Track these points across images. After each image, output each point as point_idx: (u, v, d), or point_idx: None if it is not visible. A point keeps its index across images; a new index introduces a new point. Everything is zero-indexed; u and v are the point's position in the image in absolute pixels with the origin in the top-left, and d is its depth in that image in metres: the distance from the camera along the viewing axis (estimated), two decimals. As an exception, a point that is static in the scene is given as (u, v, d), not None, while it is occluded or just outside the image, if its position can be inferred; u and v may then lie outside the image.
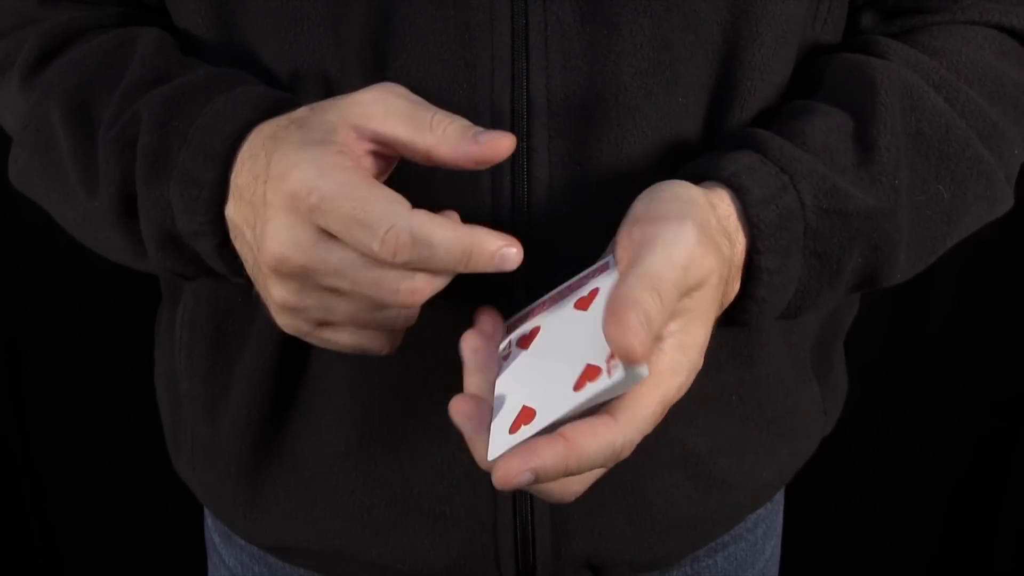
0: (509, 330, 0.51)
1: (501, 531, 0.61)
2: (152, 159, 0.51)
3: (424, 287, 0.47)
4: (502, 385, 0.48)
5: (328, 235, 0.45)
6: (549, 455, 0.43)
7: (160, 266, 0.55)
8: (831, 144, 0.53)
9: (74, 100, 0.55)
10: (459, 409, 0.46)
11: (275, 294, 0.48)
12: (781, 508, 0.79)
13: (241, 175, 0.48)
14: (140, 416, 1.24)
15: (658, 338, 0.45)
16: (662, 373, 0.45)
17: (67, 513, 1.34)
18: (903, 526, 1.37)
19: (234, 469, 0.65)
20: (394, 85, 0.48)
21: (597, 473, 0.49)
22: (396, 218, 0.44)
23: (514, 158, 0.54)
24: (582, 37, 0.53)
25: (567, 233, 0.55)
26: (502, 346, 0.50)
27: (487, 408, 0.47)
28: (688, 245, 0.45)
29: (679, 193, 0.48)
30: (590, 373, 0.44)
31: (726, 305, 0.51)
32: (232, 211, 0.49)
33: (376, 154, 0.48)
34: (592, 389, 0.44)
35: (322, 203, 0.44)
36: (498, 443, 0.44)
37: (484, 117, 0.54)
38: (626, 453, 0.45)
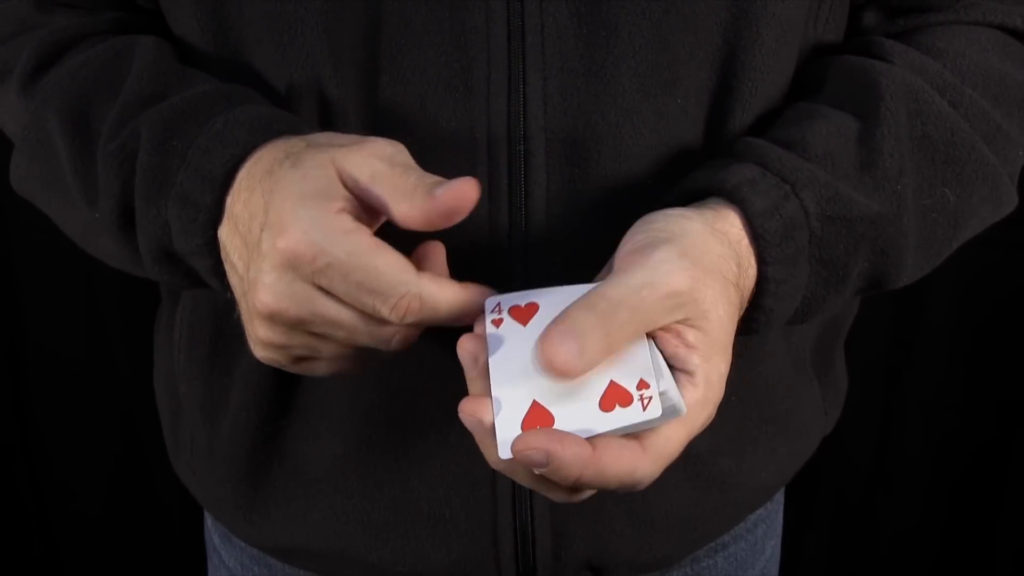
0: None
1: (501, 533, 0.61)
2: (151, 177, 0.51)
3: (417, 333, 0.49)
4: (501, 369, 0.46)
5: (327, 291, 0.46)
6: (571, 452, 0.42)
7: (157, 278, 0.55)
8: (832, 150, 0.52)
9: (72, 111, 0.55)
10: (469, 411, 0.46)
11: (260, 334, 0.48)
12: (781, 508, 0.79)
13: (236, 204, 0.49)
14: (140, 417, 1.24)
15: (683, 371, 0.46)
16: (693, 407, 0.45)
17: (67, 514, 1.34)
18: (903, 526, 1.37)
19: (233, 472, 0.64)
20: (388, 144, 0.48)
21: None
22: (408, 286, 0.46)
23: (511, 162, 0.54)
24: (579, 39, 0.53)
25: (565, 237, 0.55)
26: (490, 306, 0.49)
27: None
28: (652, 268, 0.45)
29: (671, 224, 0.48)
30: (620, 396, 0.44)
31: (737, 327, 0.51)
32: (224, 235, 0.49)
33: (367, 209, 0.48)
34: (625, 418, 0.43)
35: (329, 269, 0.45)
36: (509, 441, 0.44)
37: (480, 120, 0.53)
38: (642, 486, 0.45)
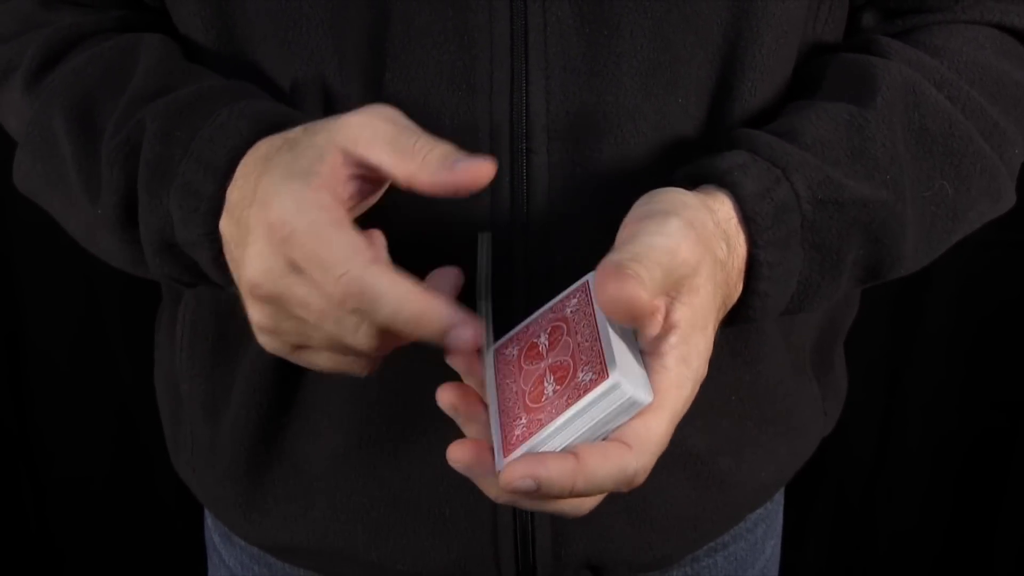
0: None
1: (501, 532, 0.61)
2: (154, 168, 0.51)
3: (379, 343, 0.46)
4: (498, 397, 0.47)
5: (299, 269, 0.45)
6: (556, 469, 0.42)
7: (158, 272, 0.55)
8: (823, 137, 0.53)
9: (77, 108, 0.55)
10: (458, 458, 0.46)
11: (253, 316, 0.49)
12: (781, 508, 0.79)
13: (234, 192, 0.49)
14: (140, 416, 1.24)
15: (655, 354, 0.45)
16: (668, 390, 0.45)
17: (67, 513, 1.34)
18: (903, 526, 1.37)
19: (234, 470, 0.65)
20: (386, 107, 0.48)
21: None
22: (350, 265, 0.44)
23: (513, 159, 0.54)
24: (581, 38, 0.53)
25: (566, 234, 0.55)
26: (502, 343, 0.50)
27: (488, 451, 0.46)
28: (670, 234, 0.45)
29: (672, 197, 0.48)
30: (578, 391, 0.44)
31: (727, 309, 0.51)
32: (224, 226, 0.49)
33: (363, 178, 0.48)
34: (590, 398, 0.43)
35: (291, 237, 0.45)
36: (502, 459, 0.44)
37: (483, 119, 0.54)
38: (640, 479, 0.44)
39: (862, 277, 0.56)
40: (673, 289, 0.45)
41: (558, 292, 0.51)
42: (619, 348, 0.45)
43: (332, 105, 0.55)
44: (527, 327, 0.51)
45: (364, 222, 0.48)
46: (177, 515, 1.31)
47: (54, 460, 1.31)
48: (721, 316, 0.50)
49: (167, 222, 0.51)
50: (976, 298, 1.24)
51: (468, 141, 0.54)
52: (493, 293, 0.53)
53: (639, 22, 0.53)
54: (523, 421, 0.45)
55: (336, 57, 0.53)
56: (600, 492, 0.44)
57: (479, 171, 0.46)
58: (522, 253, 0.56)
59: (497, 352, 0.51)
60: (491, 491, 0.46)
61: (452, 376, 0.50)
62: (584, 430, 0.44)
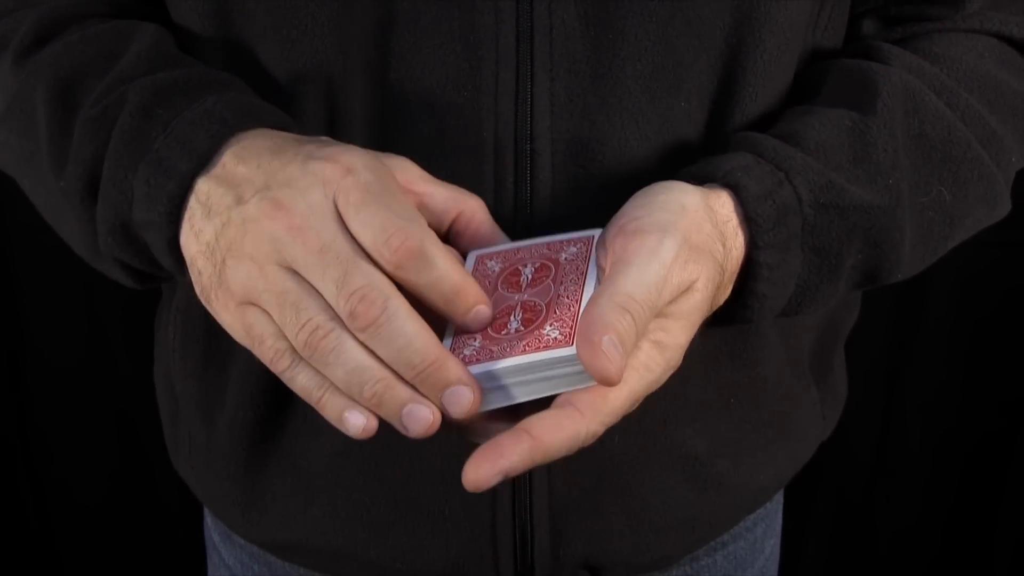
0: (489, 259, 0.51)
1: (500, 531, 0.61)
2: (127, 140, 0.50)
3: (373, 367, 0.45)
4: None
5: (348, 220, 0.45)
6: (515, 454, 0.43)
7: (109, 254, 0.54)
8: (825, 141, 0.53)
9: (61, 82, 0.54)
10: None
11: (239, 276, 0.46)
12: (781, 507, 0.79)
13: (230, 165, 0.48)
14: (140, 416, 1.24)
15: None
16: (634, 368, 0.46)
17: (67, 512, 1.34)
18: (903, 526, 1.37)
19: (232, 469, 0.65)
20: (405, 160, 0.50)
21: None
22: (416, 225, 0.45)
23: (517, 161, 0.54)
24: (586, 41, 0.53)
25: None
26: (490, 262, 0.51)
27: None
28: (664, 263, 0.46)
29: (671, 200, 0.49)
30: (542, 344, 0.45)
31: (715, 307, 0.51)
32: (209, 187, 0.48)
33: None
34: (548, 356, 0.44)
35: (355, 185, 0.45)
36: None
37: (488, 120, 0.54)
38: (590, 441, 0.46)
39: (860, 281, 0.57)
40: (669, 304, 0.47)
41: None
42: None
43: (335, 104, 0.54)
44: (517, 250, 0.51)
45: None
46: (177, 514, 1.31)
47: (54, 460, 1.31)
48: (707, 313, 0.50)
49: (127, 198, 0.50)
50: (975, 298, 1.24)
51: (472, 143, 0.54)
52: None
53: (643, 25, 0.53)
54: (476, 343, 0.46)
55: (341, 56, 0.53)
56: (559, 456, 0.45)
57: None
58: None
59: (479, 260, 0.51)
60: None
61: None
62: (530, 381, 0.45)
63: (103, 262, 0.56)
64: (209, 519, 0.77)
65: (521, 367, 0.45)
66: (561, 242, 0.51)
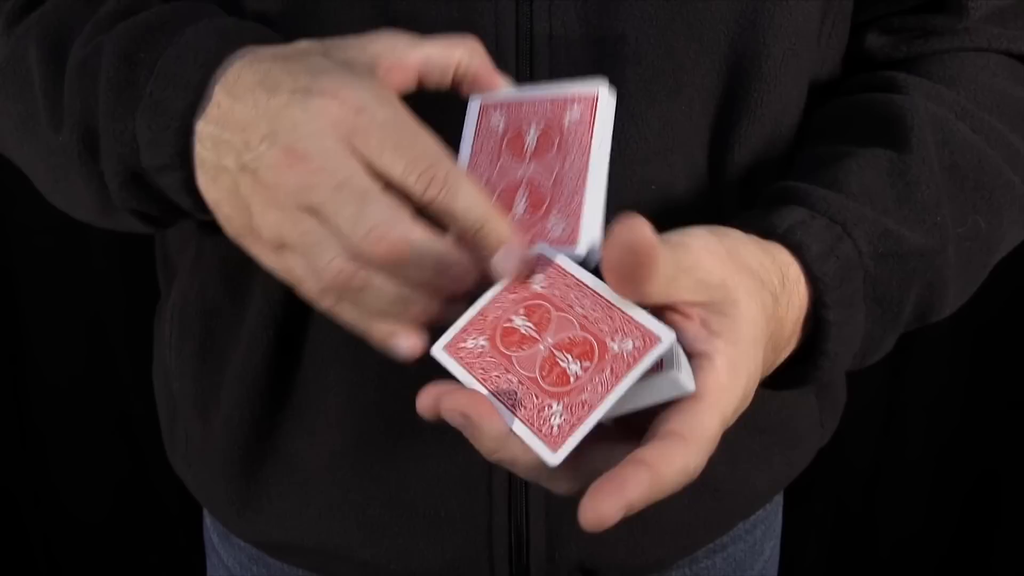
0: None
1: (496, 534, 0.61)
2: (117, 91, 0.49)
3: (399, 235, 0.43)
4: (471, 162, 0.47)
5: (364, 159, 0.44)
6: (636, 489, 0.39)
7: (124, 206, 0.53)
8: (868, 186, 0.52)
9: (51, 37, 0.54)
10: (451, 406, 0.43)
11: (270, 218, 0.45)
12: (780, 509, 0.79)
13: (235, 108, 0.46)
14: (140, 416, 1.24)
15: (704, 355, 0.43)
16: (712, 391, 0.42)
17: (67, 513, 1.34)
18: (903, 527, 1.37)
19: (228, 469, 0.65)
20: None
21: None
22: (441, 157, 0.44)
23: None
24: (586, 44, 0.53)
25: None
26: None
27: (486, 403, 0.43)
28: (683, 249, 0.43)
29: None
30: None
31: (777, 363, 0.49)
32: (211, 127, 0.47)
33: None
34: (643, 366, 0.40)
35: (371, 125, 0.44)
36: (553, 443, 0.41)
37: None
38: (697, 475, 0.42)
39: (912, 324, 0.56)
40: (690, 297, 0.43)
41: None
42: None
43: None
44: (521, 104, 0.49)
45: None
46: (177, 515, 1.31)
47: (53, 461, 1.31)
48: (770, 368, 0.48)
49: (132, 147, 0.50)
50: (977, 298, 1.23)
51: None
52: None
53: (643, 29, 0.53)
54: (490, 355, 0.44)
55: None
56: (668, 494, 0.42)
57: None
58: None
59: (483, 110, 0.50)
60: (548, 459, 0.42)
61: (448, 374, 0.49)
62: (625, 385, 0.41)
63: (115, 216, 0.56)
64: (208, 520, 0.77)
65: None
66: (565, 100, 0.48)
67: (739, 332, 0.44)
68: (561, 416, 0.42)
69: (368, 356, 0.50)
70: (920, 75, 0.58)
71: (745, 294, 0.44)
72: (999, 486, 1.32)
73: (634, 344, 0.41)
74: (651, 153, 0.55)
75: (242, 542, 0.72)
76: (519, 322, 0.45)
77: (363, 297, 0.45)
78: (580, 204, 0.45)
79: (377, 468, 0.61)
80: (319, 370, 0.60)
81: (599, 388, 0.41)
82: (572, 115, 0.47)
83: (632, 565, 0.64)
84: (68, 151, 0.53)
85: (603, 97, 0.47)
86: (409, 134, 0.44)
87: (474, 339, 0.46)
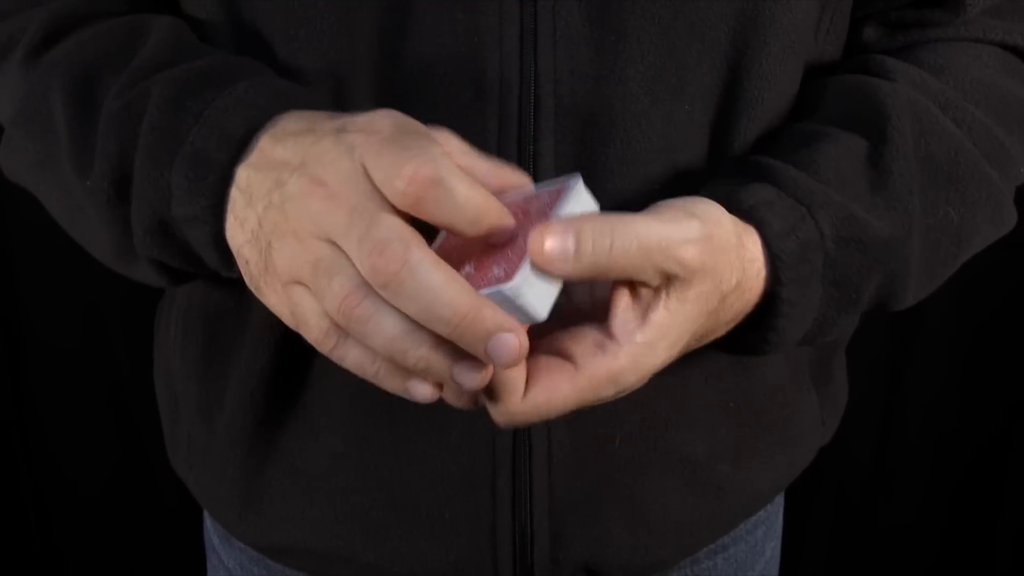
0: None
1: (500, 535, 0.61)
2: (159, 136, 0.49)
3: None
4: None
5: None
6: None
7: (146, 254, 0.53)
8: (843, 172, 0.52)
9: (78, 80, 0.53)
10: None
11: (296, 262, 0.44)
12: (781, 510, 0.79)
13: (277, 149, 0.46)
14: (140, 416, 1.24)
15: (612, 338, 0.45)
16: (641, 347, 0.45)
17: (67, 513, 1.34)
18: (903, 526, 1.37)
19: (230, 471, 0.64)
20: (395, 112, 0.47)
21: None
22: (429, 156, 0.42)
23: (520, 162, 0.54)
24: (590, 43, 0.53)
25: None
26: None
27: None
28: (674, 225, 0.44)
29: (711, 211, 0.47)
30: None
31: (704, 342, 0.50)
32: (251, 175, 0.46)
33: None
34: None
35: (380, 139, 0.43)
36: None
37: (492, 120, 0.54)
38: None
39: (870, 310, 0.57)
40: (654, 276, 0.44)
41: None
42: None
43: (343, 105, 0.54)
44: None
45: None
46: (177, 515, 1.31)
47: (54, 460, 1.31)
48: (693, 345, 0.49)
49: (165, 195, 0.49)
50: (976, 298, 1.24)
51: (476, 144, 0.54)
52: None
53: (646, 28, 0.53)
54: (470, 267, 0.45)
55: (348, 56, 0.53)
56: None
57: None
58: None
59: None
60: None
61: None
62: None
63: (132, 264, 0.55)
64: (208, 521, 0.77)
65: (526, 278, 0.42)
66: (539, 195, 0.48)
67: (666, 332, 0.46)
68: (503, 268, 0.43)
69: None
70: (911, 62, 0.58)
71: (696, 296, 0.46)
72: (999, 486, 1.32)
73: (549, 199, 0.45)
74: (654, 152, 0.55)
75: (243, 544, 0.72)
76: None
77: (366, 331, 0.42)
78: (524, 248, 0.43)
79: (380, 470, 0.61)
80: (322, 373, 0.60)
81: (525, 242, 0.43)
82: (542, 201, 0.47)
83: (635, 565, 0.64)
84: (94, 194, 0.52)
85: (572, 187, 0.46)
86: (404, 140, 0.43)
87: None
